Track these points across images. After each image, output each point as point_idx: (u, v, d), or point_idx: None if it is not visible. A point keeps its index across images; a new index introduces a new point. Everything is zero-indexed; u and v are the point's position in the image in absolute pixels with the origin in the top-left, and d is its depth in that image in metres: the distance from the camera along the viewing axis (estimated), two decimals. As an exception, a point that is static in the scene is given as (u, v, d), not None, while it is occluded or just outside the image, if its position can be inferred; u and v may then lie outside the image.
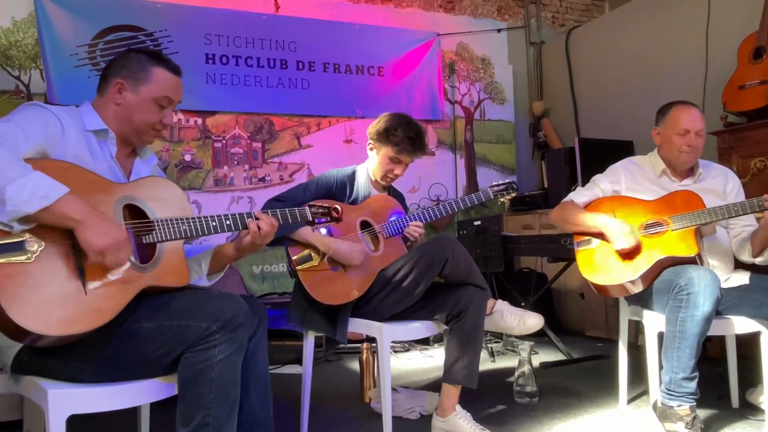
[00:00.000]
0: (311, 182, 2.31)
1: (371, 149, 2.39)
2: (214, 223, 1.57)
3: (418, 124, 2.37)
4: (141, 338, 1.42)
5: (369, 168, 2.41)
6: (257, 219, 1.63)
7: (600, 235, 2.28)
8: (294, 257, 2.13)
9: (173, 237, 1.51)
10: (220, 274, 1.78)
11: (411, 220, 2.33)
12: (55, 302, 1.29)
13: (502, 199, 2.48)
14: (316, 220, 1.79)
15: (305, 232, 2.13)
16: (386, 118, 2.37)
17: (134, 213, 1.51)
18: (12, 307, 1.23)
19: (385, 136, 2.31)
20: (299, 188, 2.29)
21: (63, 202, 1.29)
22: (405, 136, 2.29)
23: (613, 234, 2.21)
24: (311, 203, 1.82)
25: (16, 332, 1.26)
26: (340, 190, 2.32)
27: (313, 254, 2.15)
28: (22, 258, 1.27)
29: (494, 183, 2.50)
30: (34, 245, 1.29)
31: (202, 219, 1.56)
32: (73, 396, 1.40)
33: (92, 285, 1.35)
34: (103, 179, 1.47)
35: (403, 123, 2.32)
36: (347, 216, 2.27)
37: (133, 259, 1.44)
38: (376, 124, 2.38)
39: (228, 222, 1.60)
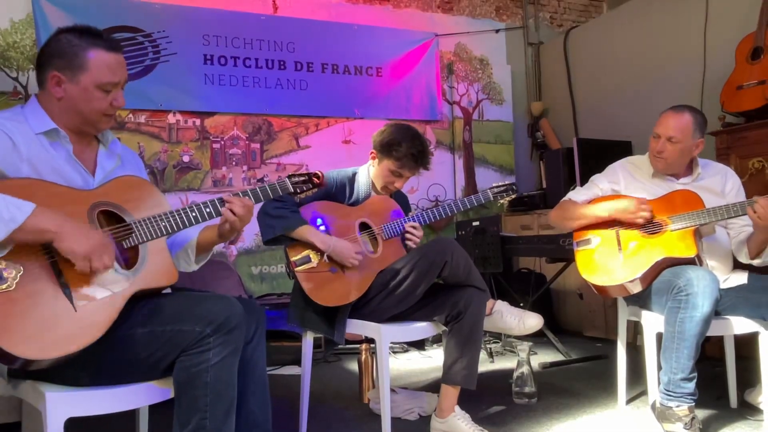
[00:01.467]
0: None
1: (373, 158, 2.37)
2: (194, 214, 1.53)
3: (423, 140, 2.35)
4: (135, 345, 1.40)
5: (370, 172, 2.40)
6: (229, 203, 1.56)
7: (609, 224, 2.27)
8: (293, 258, 2.13)
9: (154, 236, 1.48)
10: (206, 257, 1.75)
11: (409, 222, 2.33)
12: (46, 325, 1.27)
13: (501, 201, 2.47)
14: (298, 190, 1.75)
15: (304, 230, 2.12)
16: (392, 129, 2.33)
17: (109, 218, 1.47)
18: (2, 337, 1.21)
19: (388, 149, 2.29)
20: None
21: (33, 219, 1.25)
22: (409, 152, 2.27)
23: (627, 210, 2.20)
24: (291, 173, 1.78)
25: (10, 360, 1.25)
26: (340, 191, 2.31)
27: (311, 255, 2.14)
28: (3, 287, 1.24)
29: (494, 184, 2.48)
30: (12, 272, 1.26)
31: (182, 211, 1.52)
32: (70, 399, 1.39)
33: (80, 301, 1.33)
34: (70, 190, 1.42)
35: (408, 138, 2.29)
36: (346, 217, 2.27)
37: (117, 266, 1.42)
38: (381, 134, 2.35)
39: (208, 210, 1.55)
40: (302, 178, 1.75)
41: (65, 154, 1.49)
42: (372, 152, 2.37)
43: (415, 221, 2.33)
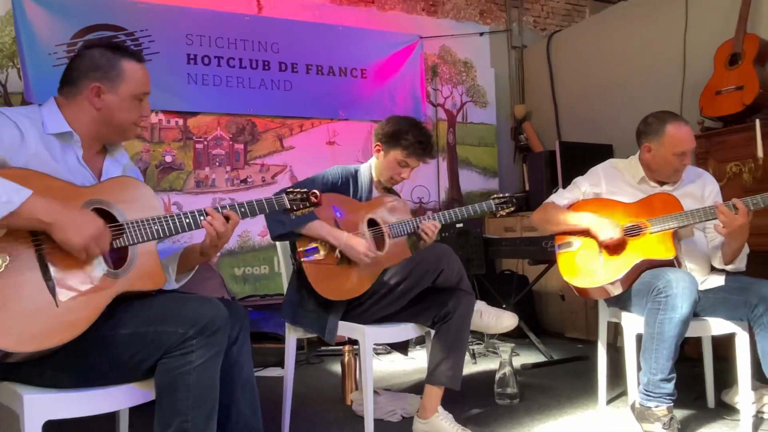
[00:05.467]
0: (317, 177, 2.28)
1: (377, 150, 2.37)
2: (187, 220, 1.53)
3: (427, 129, 2.39)
4: (117, 345, 1.39)
5: (372, 168, 2.41)
6: (210, 216, 1.56)
7: (584, 233, 2.30)
8: (300, 249, 2.11)
9: (145, 238, 1.47)
10: (188, 275, 1.74)
11: (419, 223, 2.31)
12: (26, 318, 1.26)
13: (500, 213, 2.46)
14: (295, 207, 1.73)
15: (316, 226, 2.11)
16: (395, 120, 2.36)
17: (102, 216, 1.45)
18: None
19: (395, 140, 2.31)
20: (306, 183, 2.24)
21: (29, 205, 1.26)
22: (416, 141, 2.29)
23: (598, 227, 2.24)
24: (288, 190, 1.77)
25: None
26: (344, 186, 2.31)
27: (320, 247, 2.13)
28: None
29: (496, 195, 2.48)
30: None
31: (175, 217, 1.51)
32: (49, 401, 1.37)
33: (64, 297, 1.32)
34: (67, 184, 1.42)
35: (414, 127, 2.32)
36: (356, 212, 2.27)
37: (105, 265, 1.41)
38: (384, 126, 2.36)
39: (202, 217, 1.55)
40: (299, 196, 1.75)
41: (74, 158, 1.51)
42: (377, 145, 2.37)
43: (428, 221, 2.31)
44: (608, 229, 2.22)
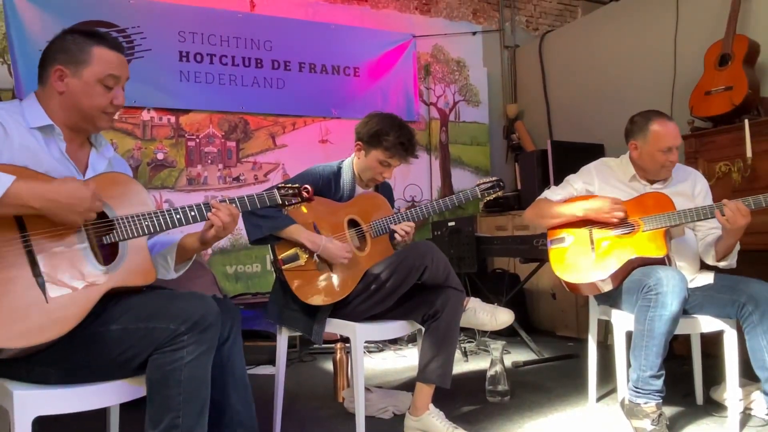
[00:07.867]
0: (296, 178, 2.26)
1: (358, 149, 2.33)
2: (178, 216, 1.52)
3: (409, 128, 2.32)
4: (107, 342, 1.39)
5: (355, 166, 2.37)
6: (215, 209, 1.56)
7: (583, 223, 2.31)
8: (280, 256, 2.10)
9: (136, 234, 1.47)
10: (187, 265, 1.73)
11: (399, 220, 2.31)
12: (16, 314, 1.26)
13: (488, 198, 2.41)
14: (286, 202, 1.73)
15: (294, 231, 2.10)
16: (377, 119, 2.30)
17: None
18: None
19: (376, 140, 2.26)
20: (297, 179, 2.22)
21: (13, 191, 1.25)
22: (398, 141, 2.25)
23: (601, 210, 2.24)
24: (280, 185, 1.76)
25: None
26: (326, 186, 2.28)
27: (299, 253, 2.12)
28: None
29: (481, 181, 2.43)
30: None
31: (165, 213, 1.51)
32: (39, 397, 1.37)
33: (53, 293, 1.31)
34: (53, 179, 1.40)
35: (396, 127, 2.27)
36: (335, 214, 2.25)
37: (95, 261, 1.41)
38: (365, 125, 2.31)
39: (192, 213, 1.55)
40: (291, 191, 1.73)
41: (58, 151, 1.49)
42: (357, 144, 2.33)
43: (404, 218, 2.31)
44: (611, 209, 2.22)
